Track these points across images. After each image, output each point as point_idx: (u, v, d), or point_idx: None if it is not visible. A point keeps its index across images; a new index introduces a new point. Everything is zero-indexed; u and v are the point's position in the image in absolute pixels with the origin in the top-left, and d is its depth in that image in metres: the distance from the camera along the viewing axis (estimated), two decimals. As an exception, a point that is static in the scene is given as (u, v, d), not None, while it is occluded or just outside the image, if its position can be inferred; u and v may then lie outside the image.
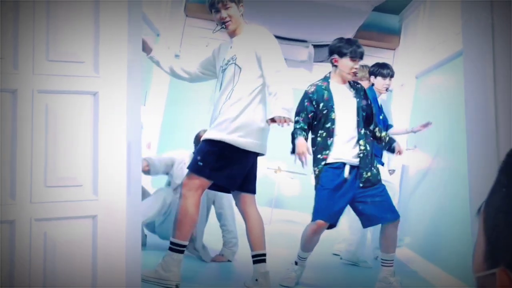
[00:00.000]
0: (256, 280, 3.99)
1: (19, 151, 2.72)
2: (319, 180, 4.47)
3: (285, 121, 3.74)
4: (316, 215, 4.45)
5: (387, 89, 5.70)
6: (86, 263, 2.90)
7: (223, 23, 4.03)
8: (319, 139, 4.50)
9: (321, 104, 4.47)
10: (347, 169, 4.45)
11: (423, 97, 6.79)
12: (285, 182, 7.53)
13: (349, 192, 4.44)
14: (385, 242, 4.53)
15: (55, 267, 2.80)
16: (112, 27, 2.98)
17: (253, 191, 4.12)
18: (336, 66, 4.60)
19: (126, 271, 3.02)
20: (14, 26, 2.72)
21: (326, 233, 4.62)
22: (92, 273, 2.92)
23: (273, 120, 3.78)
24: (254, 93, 3.91)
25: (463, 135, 3.13)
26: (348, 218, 5.63)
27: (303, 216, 7.70)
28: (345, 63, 4.55)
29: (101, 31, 2.96)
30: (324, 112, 4.46)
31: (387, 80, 5.59)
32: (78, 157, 2.89)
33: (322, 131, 4.48)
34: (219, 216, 5.20)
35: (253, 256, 4.01)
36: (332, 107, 4.47)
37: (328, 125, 4.44)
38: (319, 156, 4.48)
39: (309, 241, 4.53)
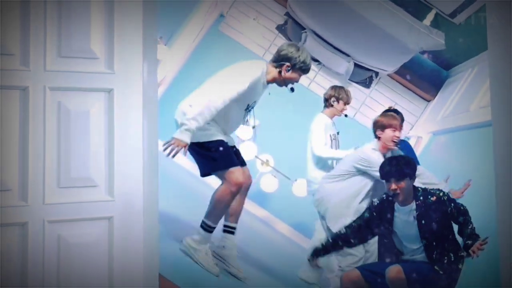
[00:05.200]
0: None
1: (31, 151, 2.63)
2: None
3: None
4: None
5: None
6: (102, 266, 2.80)
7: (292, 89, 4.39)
8: None
9: None
10: None
11: (432, 154, 6.66)
12: (267, 177, 7.30)
13: None
14: None
15: (70, 270, 2.71)
16: (126, 21, 2.88)
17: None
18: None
19: (144, 274, 2.92)
20: (24, 21, 2.63)
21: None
22: (109, 276, 2.82)
23: None
24: None
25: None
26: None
27: (265, 216, 7.49)
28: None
29: (116, 26, 2.86)
30: None
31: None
32: (93, 156, 2.79)
33: None
34: None
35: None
36: None
37: None
38: None
39: None
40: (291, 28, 7.74)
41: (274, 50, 4.42)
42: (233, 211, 4.37)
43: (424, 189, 4.10)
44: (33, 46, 2.66)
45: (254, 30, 7.28)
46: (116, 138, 2.84)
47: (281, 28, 7.62)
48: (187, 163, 7.07)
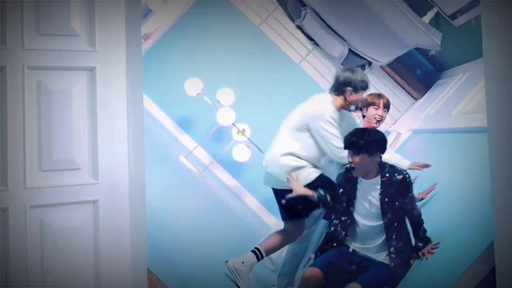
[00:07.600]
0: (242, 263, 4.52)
1: (10, 133, 2.53)
2: None
3: None
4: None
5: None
6: (87, 251, 2.72)
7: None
8: None
9: None
10: None
11: (408, 151, 6.63)
12: (240, 147, 7.23)
13: None
14: None
15: (54, 256, 2.63)
16: (108, -4, 2.77)
17: None
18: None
19: (131, 258, 2.84)
20: (-1, -3, 2.52)
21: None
22: (95, 261, 2.74)
23: None
24: None
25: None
26: None
27: (235, 186, 7.30)
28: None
29: (97, 1, 2.75)
30: None
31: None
32: (76, 138, 2.70)
33: None
34: None
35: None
36: None
37: None
38: None
39: None
40: (292, 2, 7.68)
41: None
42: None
43: (392, 166, 4.05)
44: (10, 23, 2.55)
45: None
46: (99, 118, 2.74)
47: (282, 1, 7.57)
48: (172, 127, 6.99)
